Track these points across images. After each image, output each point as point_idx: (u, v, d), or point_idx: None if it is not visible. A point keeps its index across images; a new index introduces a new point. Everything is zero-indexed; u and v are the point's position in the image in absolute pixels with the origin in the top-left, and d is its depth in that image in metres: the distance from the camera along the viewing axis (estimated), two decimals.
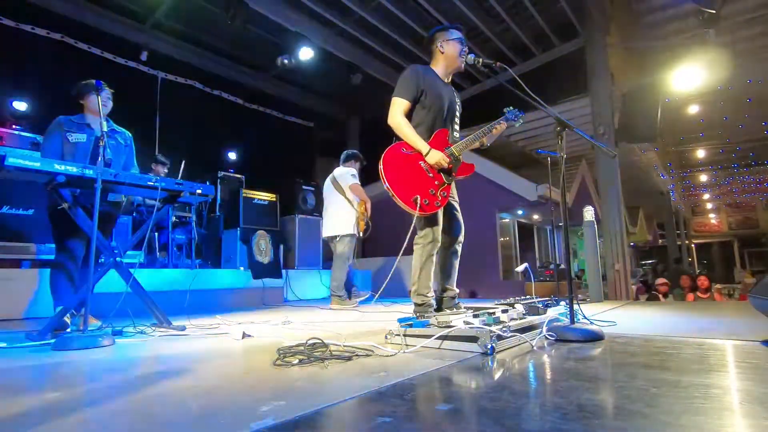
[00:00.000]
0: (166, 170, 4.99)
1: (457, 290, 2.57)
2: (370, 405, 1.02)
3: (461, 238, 2.56)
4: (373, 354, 1.62)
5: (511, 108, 2.49)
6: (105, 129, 2.45)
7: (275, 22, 5.64)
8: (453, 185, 2.59)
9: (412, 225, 2.40)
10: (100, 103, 2.51)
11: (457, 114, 2.53)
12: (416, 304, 2.39)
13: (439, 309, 2.45)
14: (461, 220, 2.56)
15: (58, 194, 2.28)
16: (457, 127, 2.53)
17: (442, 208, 2.43)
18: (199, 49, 6.40)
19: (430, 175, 2.29)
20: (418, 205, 2.18)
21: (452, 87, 2.55)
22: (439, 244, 2.39)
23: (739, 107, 10.80)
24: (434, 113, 2.36)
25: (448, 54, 2.44)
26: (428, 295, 2.38)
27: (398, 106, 2.32)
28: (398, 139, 2.39)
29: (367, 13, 5.82)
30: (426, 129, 2.36)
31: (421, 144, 2.28)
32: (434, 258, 2.37)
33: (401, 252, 2.30)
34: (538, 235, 10.18)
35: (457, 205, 2.56)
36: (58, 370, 1.56)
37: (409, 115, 2.36)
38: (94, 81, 2.61)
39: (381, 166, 2.22)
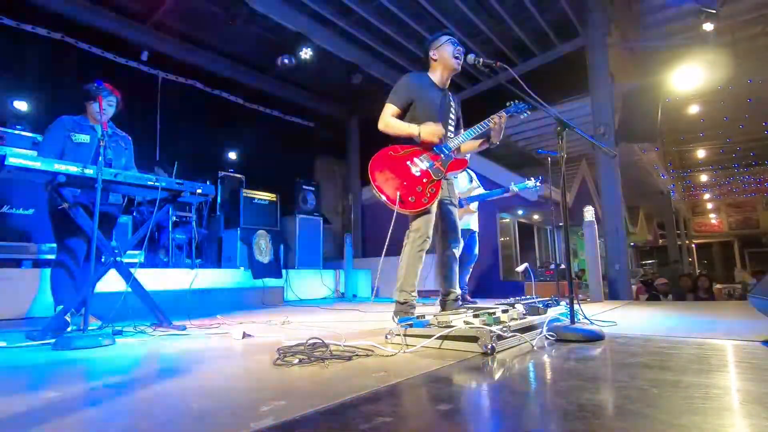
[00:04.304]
0: (167, 176, 4.99)
1: (459, 291, 2.56)
2: (370, 405, 1.02)
3: (457, 242, 2.54)
4: (373, 354, 1.62)
5: (516, 102, 2.48)
6: (107, 130, 2.45)
7: (275, 22, 5.63)
8: (453, 188, 2.59)
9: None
10: (102, 107, 2.51)
11: (452, 117, 2.54)
12: (398, 302, 2.37)
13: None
14: (457, 224, 2.55)
15: (58, 194, 2.28)
16: (452, 128, 2.54)
17: (438, 208, 2.44)
18: (199, 49, 6.39)
19: (418, 173, 2.32)
20: (398, 200, 2.23)
21: (449, 92, 2.59)
22: (429, 243, 2.38)
23: (740, 107, 10.80)
24: (426, 116, 2.41)
25: (442, 58, 2.49)
26: (412, 293, 2.36)
27: (387, 110, 2.44)
28: (393, 141, 2.41)
29: (368, 13, 5.82)
30: None
31: (411, 127, 2.34)
32: (422, 256, 2.36)
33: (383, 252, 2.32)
34: (538, 235, 10.19)
35: (454, 209, 2.55)
36: (58, 370, 1.56)
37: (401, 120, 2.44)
38: (97, 86, 2.62)
39: (369, 169, 2.30)
